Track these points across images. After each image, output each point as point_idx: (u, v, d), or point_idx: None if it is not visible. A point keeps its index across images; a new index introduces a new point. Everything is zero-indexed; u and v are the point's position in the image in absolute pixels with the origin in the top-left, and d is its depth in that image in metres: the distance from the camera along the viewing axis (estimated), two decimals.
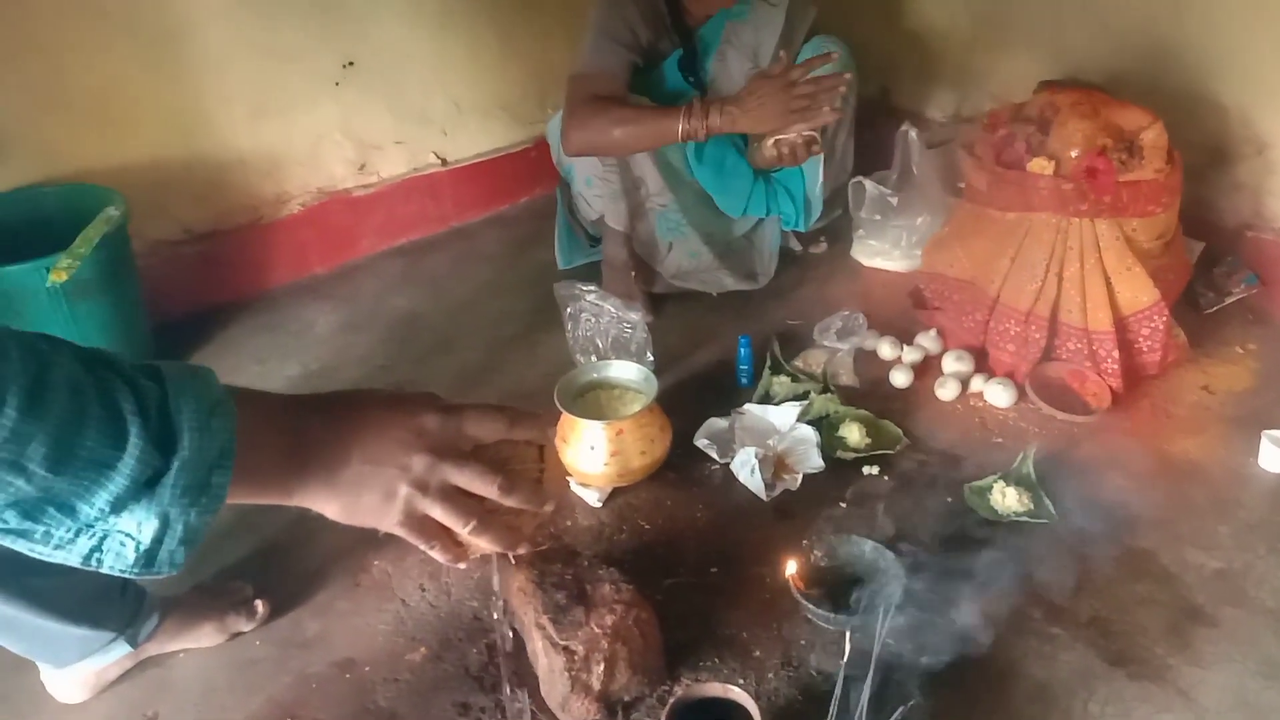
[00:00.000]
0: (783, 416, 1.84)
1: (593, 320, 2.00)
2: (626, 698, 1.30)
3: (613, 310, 1.99)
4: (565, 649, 1.25)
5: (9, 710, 1.38)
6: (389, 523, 0.76)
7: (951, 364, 1.96)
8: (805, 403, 1.87)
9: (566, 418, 1.68)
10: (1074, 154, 1.76)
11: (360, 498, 0.74)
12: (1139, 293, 1.81)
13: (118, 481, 0.60)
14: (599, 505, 1.68)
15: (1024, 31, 2.36)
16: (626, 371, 1.78)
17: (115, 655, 1.36)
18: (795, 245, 2.42)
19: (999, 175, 1.85)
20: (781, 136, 1.90)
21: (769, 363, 2.00)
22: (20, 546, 0.63)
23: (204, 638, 1.45)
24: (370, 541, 1.62)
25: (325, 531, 1.64)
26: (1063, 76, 2.22)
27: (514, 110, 2.67)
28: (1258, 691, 1.32)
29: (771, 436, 1.80)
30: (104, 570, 0.64)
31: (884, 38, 2.66)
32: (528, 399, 1.93)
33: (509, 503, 0.80)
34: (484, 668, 1.39)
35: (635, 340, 1.99)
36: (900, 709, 1.12)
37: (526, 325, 2.19)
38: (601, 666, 1.25)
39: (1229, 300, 2.08)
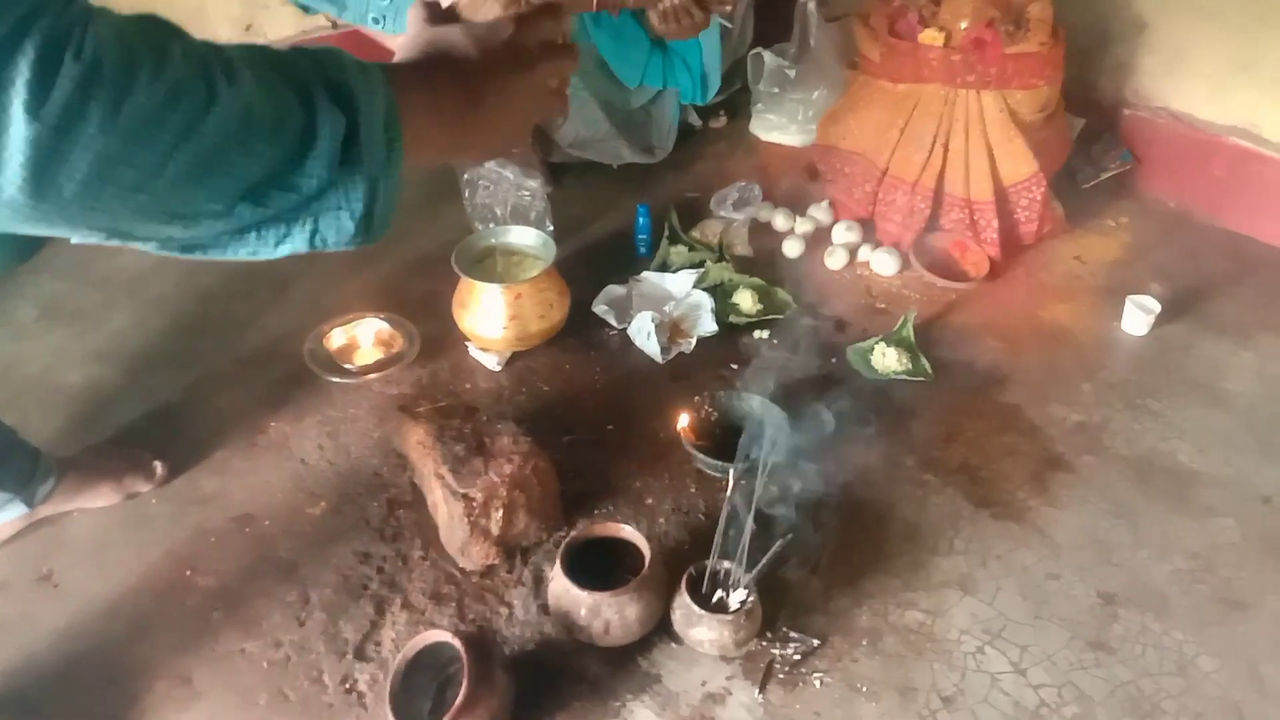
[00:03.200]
0: (679, 284, 1.88)
1: (491, 188, 1.99)
2: (525, 543, 1.35)
3: (511, 178, 1.98)
4: (464, 496, 1.29)
5: None
6: (517, 145, 0.82)
7: (841, 234, 2.01)
8: (701, 270, 1.91)
9: (464, 282, 1.68)
10: (963, 25, 1.80)
11: (495, 135, 0.77)
12: (1019, 164, 1.88)
13: (324, 144, 0.59)
14: (498, 369, 1.70)
15: None
16: (525, 237, 1.79)
17: (10, 515, 1.35)
18: (694, 119, 2.42)
19: (892, 46, 1.88)
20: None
21: (667, 232, 2.02)
22: (244, 251, 0.62)
23: (101, 497, 1.44)
24: (266, 402, 1.63)
25: (220, 393, 1.65)
26: None
27: None
28: (1107, 529, 1.44)
29: (668, 303, 1.84)
30: (329, 248, 0.64)
31: None
32: (426, 267, 1.92)
33: None
34: (384, 520, 1.42)
35: (534, 209, 1.99)
36: (779, 541, 1.19)
37: (424, 194, 2.16)
38: (500, 513, 1.29)
39: (1105, 175, 2.17)
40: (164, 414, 1.61)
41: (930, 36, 1.83)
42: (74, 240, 0.55)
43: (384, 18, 0.93)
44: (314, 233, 0.63)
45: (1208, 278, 1.95)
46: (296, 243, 0.63)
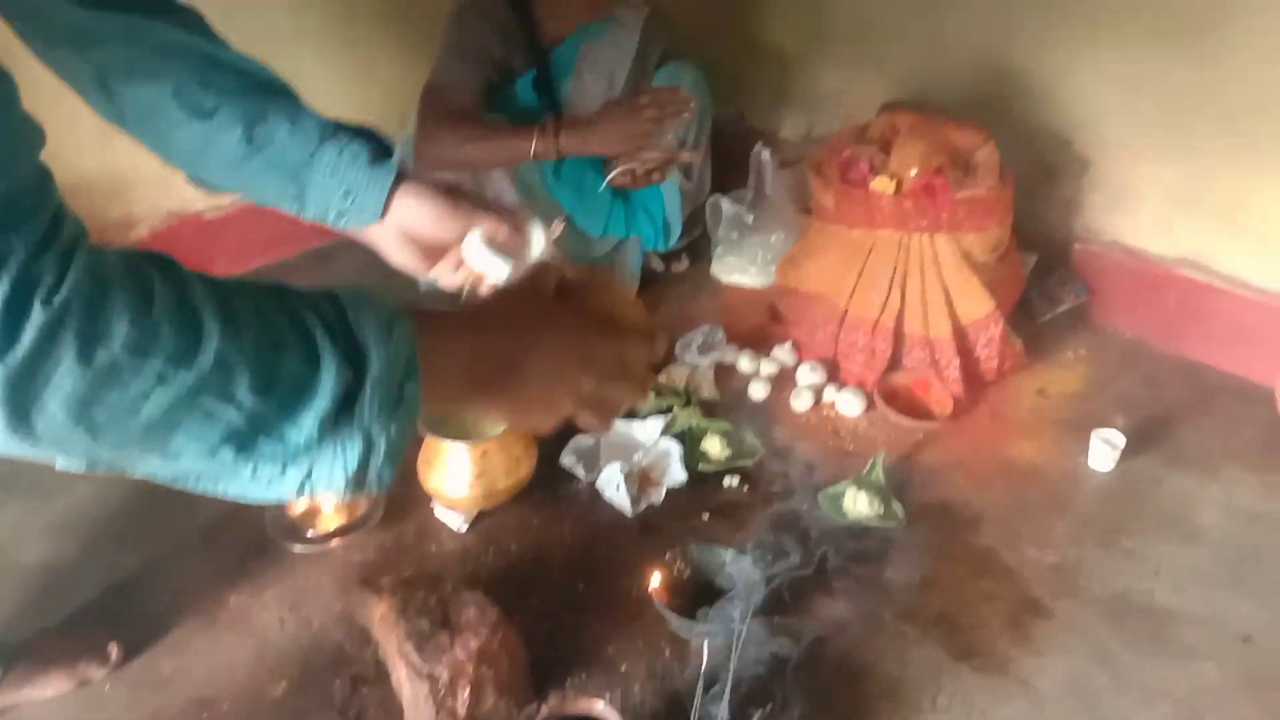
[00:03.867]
0: (647, 431, 1.87)
1: None
2: None
3: None
4: (429, 676, 1.24)
5: None
6: (547, 428, 0.79)
7: (806, 376, 2.03)
8: (669, 417, 1.90)
9: (430, 440, 1.67)
10: (913, 173, 1.86)
11: (532, 411, 0.76)
12: (976, 303, 1.91)
13: (320, 401, 0.58)
14: (464, 529, 1.67)
15: (869, 56, 2.47)
16: None
17: None
18: (657, 264, 2.47)
19: (845, 194, 1.93)
20: (629, 164, 1.95)
21: None
22: (232, 490, 0.60)
23: (52, 686, 1.38)
24: (227, 574, 1.58)
25: (178, 566, 1.61)
26: (904, 98, 2.33)
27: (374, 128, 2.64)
28: (1090, 676, 1.41)
29: (636, 452, 1.83)
30: (318, 495, 0.63)
31: (739, 61, 2.74)
32: None
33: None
34: (347, 699, 1.37)
35: None
36: (758, 712, 1.16)
37: None
38: (467, 692, 1.25)
39: (1061, 309, 2.21)
40: (122, 590, 1.56)
41: (881, 184, 1.88)
42: (58, 467, 0.54)
43: (345, 213, 0.94)
44: (305, 480, 0.61)
45: (1170, 408, 1.98)
46: (285, 488, 0.61)
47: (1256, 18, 1.83)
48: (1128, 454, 1.80)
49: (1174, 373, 2.09)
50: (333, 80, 2.51)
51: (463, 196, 0.99)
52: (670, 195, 2.25)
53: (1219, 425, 1.93)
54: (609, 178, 2.00)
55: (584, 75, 2.14)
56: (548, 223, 1.05)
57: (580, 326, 0.78)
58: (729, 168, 2.47)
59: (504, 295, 0.81)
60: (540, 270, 0.84)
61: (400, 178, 0.95)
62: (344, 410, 0.59)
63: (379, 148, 0.95)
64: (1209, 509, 1.72)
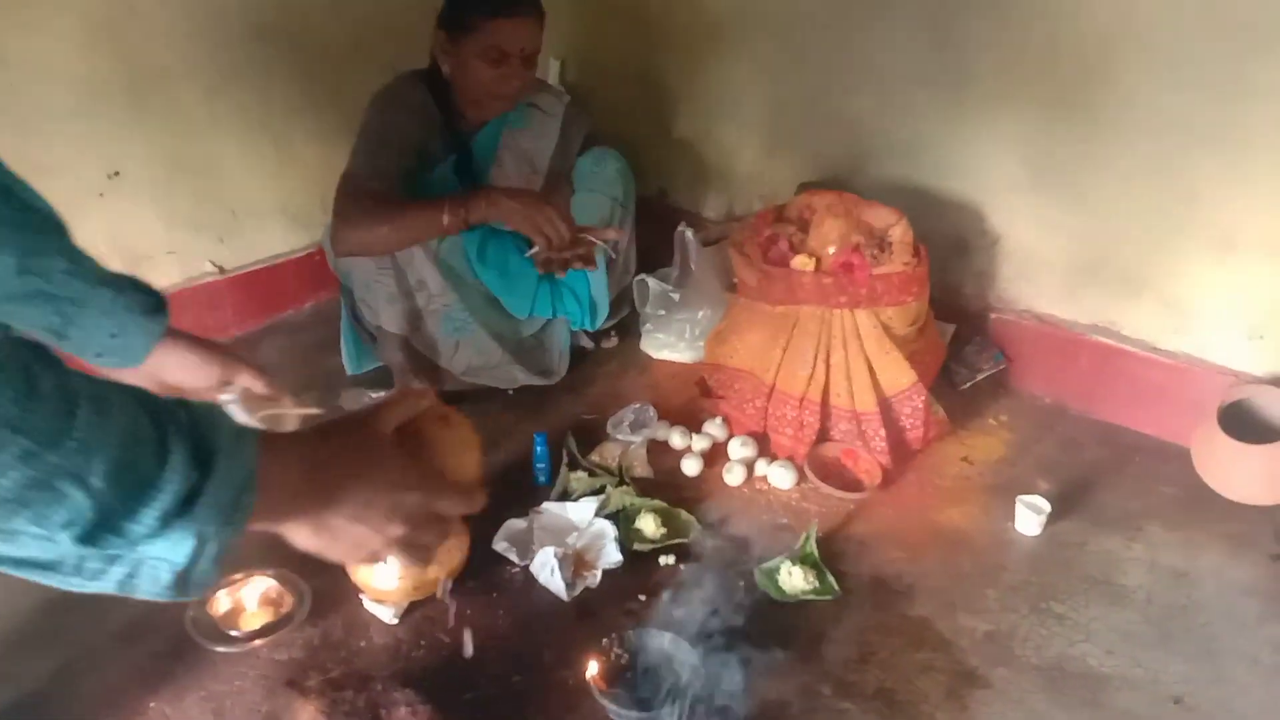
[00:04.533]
0: (580, 512, 1.86)
1: None
2: None
3: None
4: None
5: None
6: (349, 563, 0.91)
7: (737, 450, 2.04)
8: (602, 497, 1.89)
9: None
10: (831, 251, 1.91)
11: (337, 543, 0.80)
12: (898, 375, 1.95)
13: (164, 498, 0.60)
14: (395, 622, 1.63)
15: (783, 139, 2.54)
16: None
17: None
18: (586, 342, 2.47)
19: (767, 272, 1.97)
20: (550, 253, 1.96)
21: (565, 459, 2.02)
22: (53, 579, 0.61)
23: None
24: (145, 680, 1.51)
25: (92, 673, 1.53)
26: (820, 178, 2.40)
27: (294, 215, 2.62)
28: None
29: (570, 534, 1.81)
30: (137, 595, 0.64)
31: (660, 143, 2.80)
32: None
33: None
34: None
35: None
36: None
37: None
38: None
39: (980, 377, 2.27)
40: (31, 705, 1.48)
41: (801, 262, 1.92)
42: None
43: (106, 353, 1.01)
44: (129, 576, 0.62)
45: (1090, 469, 2.03)
46: (107, 583, 0.62)
47: (1133, 91, 1.93)
48: (1053, 517, 1.84)
49: (1092, 434, 2.15)
50: (251, 166, 2.50)
51: (223, 351, 1.14)
52: (596, 276, 2.26)
53: (1138, 485, 1.99)
54: (530, 253, 2.01)
55: (505, 161, 2.16)
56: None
57: (403, 471, 0.83)
58: (654, 246, 2.50)
59: (342, 426, 0.83)
60: (386, 403, 0.88)
61: (168, 331, 1.08)
62: (183, 510, 0.62)
63: (154, 301, 1.07)
64: (1134, 569, 1.76)
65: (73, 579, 0.61)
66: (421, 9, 2.04)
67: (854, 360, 1.93)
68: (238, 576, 1.69)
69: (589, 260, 1.98)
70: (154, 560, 0.63)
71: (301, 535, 0.79)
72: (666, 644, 1.50)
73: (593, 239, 1.99)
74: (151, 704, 1.48)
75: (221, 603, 1.64)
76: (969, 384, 2.26)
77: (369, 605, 1.65)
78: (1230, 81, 1.82)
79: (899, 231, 1.95)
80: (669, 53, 2.67)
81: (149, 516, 0.60)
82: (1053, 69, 2.02)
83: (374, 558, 0.84)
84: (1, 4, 1.97)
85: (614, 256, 2.23)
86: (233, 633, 1.59)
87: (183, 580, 0.64)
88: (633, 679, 1.48)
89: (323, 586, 1.67)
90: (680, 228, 2.42)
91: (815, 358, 1.95)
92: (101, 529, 0.59)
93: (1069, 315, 2.22)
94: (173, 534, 0.62)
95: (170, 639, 1.59)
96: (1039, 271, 2.23)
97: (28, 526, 0.56)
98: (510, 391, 2.28)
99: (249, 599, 1.65)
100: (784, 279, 1.94)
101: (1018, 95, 2.10)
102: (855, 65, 2.33)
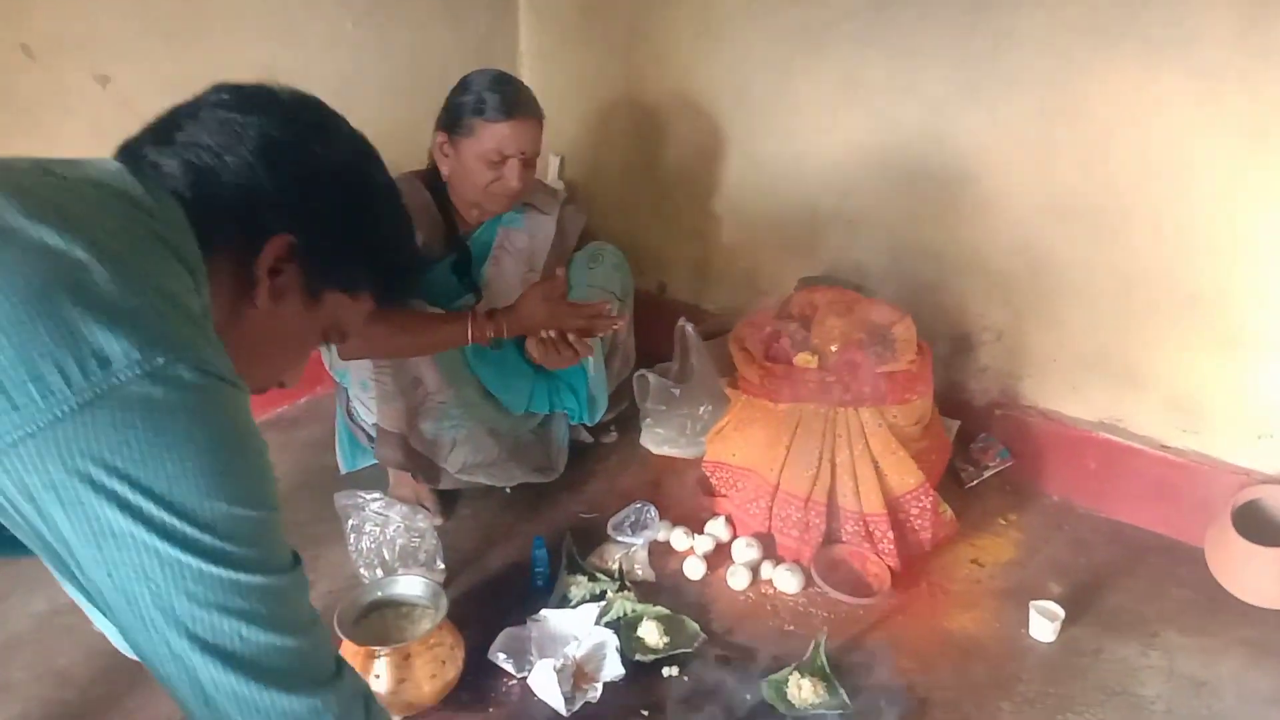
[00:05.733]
0: (580, 621, 1.80)
1: (378, 530, 1.92)
2: None
3: (399, 519, 1.92)
4: None
5: None
6: None
7: (742, 552, 1.99)
8: (603, 604, 1.84)
9: (348, 645, 1.57)
10: (834, 348, 1.89)
11: None
12: (905, 475, 1.92)
13: None
14: None
15: (783, 236, 2.54)
16: (413, 587, 1.71)
17: None
18: (585, 437, 2.44)
19: (769, 370, 1.94)
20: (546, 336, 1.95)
21: (565, 562, 1.97)
22: None
23: None
24: None
25: None
26: (820, 273, 2.40)
27: None
28: None
29: (570, 643, 1.75)
30: None
31: (658, 238, 2.80)
32: None
33: None
34: None
35: (424, 548, 1.92)
36: None
37: (306, 537, 2.06)
38: None
39: (987, 474, 2.23)
40: None
41: (804, 360, 1.90)
42: None
43: None
44: None
45: (1102, 570, 1.98)
46: None
47: (1134, 199, 1.95)
48: (1066, 621, 1.79)
49: (1101, 534, 2.11)
50: None
51: None
52: (595, 370, 2.24)
53: (1151, 587, 1.94)
54: (527, 348, 2.00)
55: (502, 260, 2.15)
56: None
57: None
58: (653, 340, 2.49)
59: None
60: None
61: None
62: None
63: None
64: (1152, 678, 1.70)
65: None
66: (424, 110, 2.05)
67: (860, 460, 1.90)
68: None
69: (584, 347, 1.97)
70: None
71: None
72: None
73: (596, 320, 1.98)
74: None
75: None
76: (975, 482, 2.22)
77: None
78: (1228, 184, 1.83)
79: (902, 329, 1.93)
80: (669, 149, 2.70)
81: None
82: (1050, 170, 2.04)
83: None
84: None
85: (612, 333, 2.18)
86: None
87: None
88: None
89: None
90: (681, 322, 2.41)
91: (820, 457, 1.91)
92: None
93: (1075, 412, 2.19)
94: None
95: None
96: (1044, 367, 2.21)
97: None
98: (508, 490, 2.24)
99: None
100: (786, 376, 1.92)
101: (1017, 201, 2.11)
102: (853, 165, 2.34)
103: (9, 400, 0.72)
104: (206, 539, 0.78)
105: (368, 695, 0.95)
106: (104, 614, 0.80)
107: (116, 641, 0.89)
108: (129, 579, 0.77)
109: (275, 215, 0.95)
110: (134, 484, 0.74)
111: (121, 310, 0.77)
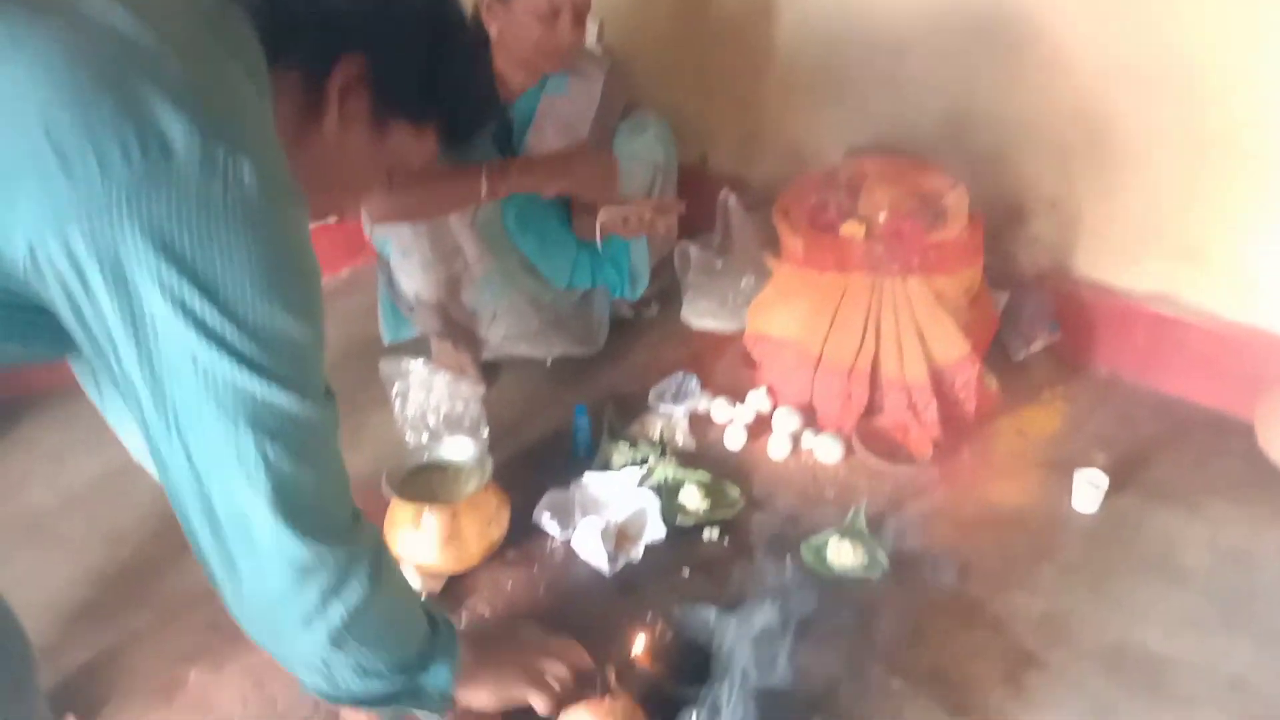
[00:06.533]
0: (622, 485, 1.82)
1: (422, 396, 1.94)
2: None
3: (443, 385, 1.93)
4: None
5: None
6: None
7: (782, 422, 1.99)
8: (644, 469, 1.86)
9: (397, 503, 1.61)
10: (882, 217, 1.84)
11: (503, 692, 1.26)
12: (951, 345, 1.89)
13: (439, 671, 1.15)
14: (436, 594, 1.61)
15: (831, 101, 2.46)
16: (459, 450, 1.73)
17: None
18: (626, 311, 2.43)
19: (814, 239, 1.91)
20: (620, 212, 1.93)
21: (606, 429, 1.98)
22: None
23: None
24: (184, 652, 1.51)
25: (133, 646, 1.53)
26: (869, 142, 2.33)
27: None
28: None
29: (612, 506, 1.78)
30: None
31: (702, 107, 2.73)
32: (353, 485, 1.84)
33: None
34: None
35: (469, 415, 1.94)
36: None
37: (352, 405, 2.08)
38: None
39: (1035, 348, 2.20)
40: (71, 674, 1.47)
41: (851, 228, 1.86)
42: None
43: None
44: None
45: (1147, 444, 1.96)
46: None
47: (1203, 61, 1.85)
48: (1110, 493, 1.77)
49: (1149, 407, 2.08)
50: None
51: None
52: (637, 243, 2.22)
53: (1197, 460, 1.92)
54: (600, 228, 2.00)
55: (545, 128, 2.11)
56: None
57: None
58: (694, 213, 2.43)
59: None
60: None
61: None
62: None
63: None
64: (1195, 549, 1.70)
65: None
66: None
67: (905, 330, 1.87)
68: None
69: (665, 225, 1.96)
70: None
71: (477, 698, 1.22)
72: (712, 619, 1.46)
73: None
74: (192, 674, 1.47)
75: None
76: (1022, 355, 2.19)
77: (409, 576, 1.62)
78: None
79: (953, 197, 1.88)
80: (713, 9, 2.60)
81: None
82: (1115, 32, 1.94)
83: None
84: None
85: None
86: None
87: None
88: (679, 654, 1.45)
89: None
90: (724, 193, 2.36)
91: (865, 327, 1.89)
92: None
93: (1126, 284, 2.14)
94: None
95: (209, 613, 1.56)
96: (1098, 238, 2.15)
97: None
98: (548, 362, 2.24)
99: None
100: (832, 246, 1.88)
101: (1082, 63, 2.01)
102: (908, 23, 2.24)
103: (67, 170, 0.70)
104: (248, 346, 0.75)
105: (377, 555, 0.94)
106: (134, 417, 0.78)
107: (141, 457, 0.89)
108: (163, 376, 0.75)
109: (349, 33, 0.91)
110: (183, 269, 0.72)
111: (188, 94, 0.73)
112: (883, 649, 1.49)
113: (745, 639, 1.41)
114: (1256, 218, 1.91)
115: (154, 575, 1.67)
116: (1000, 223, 2.17)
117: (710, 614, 1.47)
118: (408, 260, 2.05)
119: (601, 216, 2.02)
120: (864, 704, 1.40)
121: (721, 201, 2.36)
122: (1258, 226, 1.91)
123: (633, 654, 1.41)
